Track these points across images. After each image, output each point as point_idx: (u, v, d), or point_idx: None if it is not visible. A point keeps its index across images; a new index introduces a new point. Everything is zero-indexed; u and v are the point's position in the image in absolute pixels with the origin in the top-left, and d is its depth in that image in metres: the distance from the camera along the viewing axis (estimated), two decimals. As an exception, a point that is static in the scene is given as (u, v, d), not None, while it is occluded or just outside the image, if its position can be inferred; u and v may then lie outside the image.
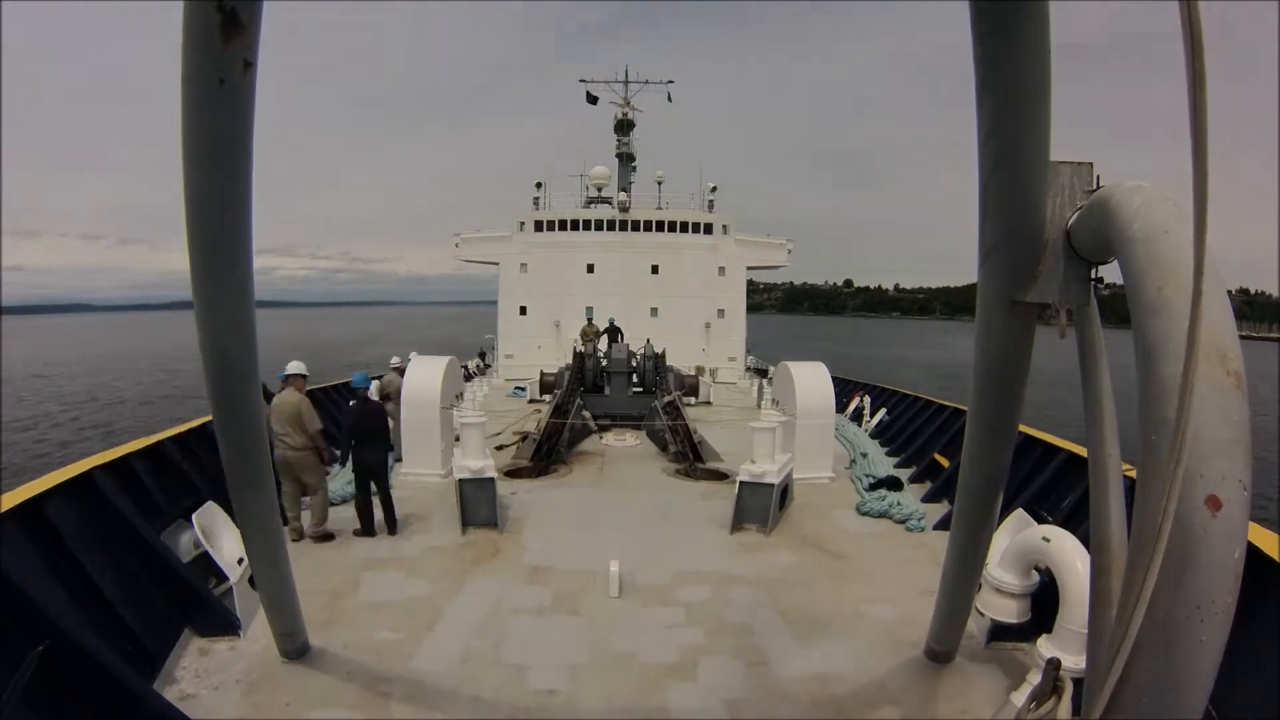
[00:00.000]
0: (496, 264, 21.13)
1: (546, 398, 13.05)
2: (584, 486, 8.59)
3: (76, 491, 4.51)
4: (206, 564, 5.15)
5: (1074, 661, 3.47)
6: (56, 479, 4.45)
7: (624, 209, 20.64)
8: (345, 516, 7.13)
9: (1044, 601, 4.15)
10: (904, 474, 8.99)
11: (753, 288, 20.96)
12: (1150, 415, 1.77)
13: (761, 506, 6.86)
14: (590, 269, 20.52)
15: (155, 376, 43.79)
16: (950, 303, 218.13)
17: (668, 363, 13.43)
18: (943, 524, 6.71)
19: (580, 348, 13.64)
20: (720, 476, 8.83)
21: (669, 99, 21.91)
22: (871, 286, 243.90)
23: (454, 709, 3.91)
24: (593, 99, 21.86)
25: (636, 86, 22.00)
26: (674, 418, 10.32)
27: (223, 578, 5.05)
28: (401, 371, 9.61)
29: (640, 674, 4.28)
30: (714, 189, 21.86)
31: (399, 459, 8.89)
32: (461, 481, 6.78)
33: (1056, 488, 6.06)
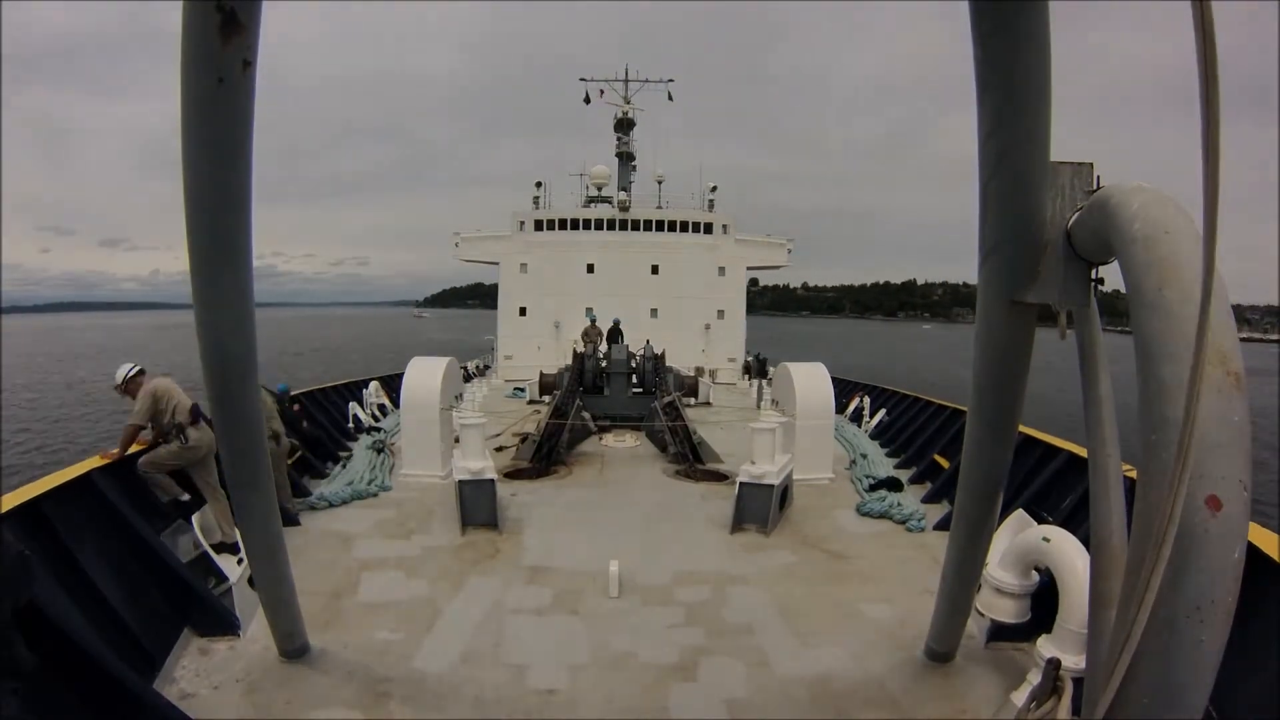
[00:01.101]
0: (496, 263, 21.15)
1: (546, 398, 13.05)
2: (584, 487, 8.58)
3: (76, 492, 4.51)
4: (206, 564, 5.15)
5: (1074, 661, 3.47)
6: (56, 480, 4.45)
7: (624, 208, 20.64)
8: (344, 518, 7.14)
9: (1044, 601, 4.15)
10: (904, 474, 8.98)
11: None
12: (1150, 415, 1.77)
13: (761, 507, 6.86)
14: (590, 269, 20.52)
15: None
16: (859, 301, 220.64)
17: (667, 363, 13.43)
18: (943, 524, 6.71)
19: (581, 348, 13.65)
20: (720, 477, 8.82)
21: (669, 97, 21.94)
22: (780, 285, 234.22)
23: (454, 709, 3.90)
24: (587, 99, 21.86)
25: (636, 85, 22.04)
26: (674, 418, 10.32)
27: (222, 578, 5.04)
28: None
29: (640, 674, 4.28)
30: (714, 188, 21.88)
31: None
32: (461, 482, 6.78)
33: (1056, 488, 6.06)
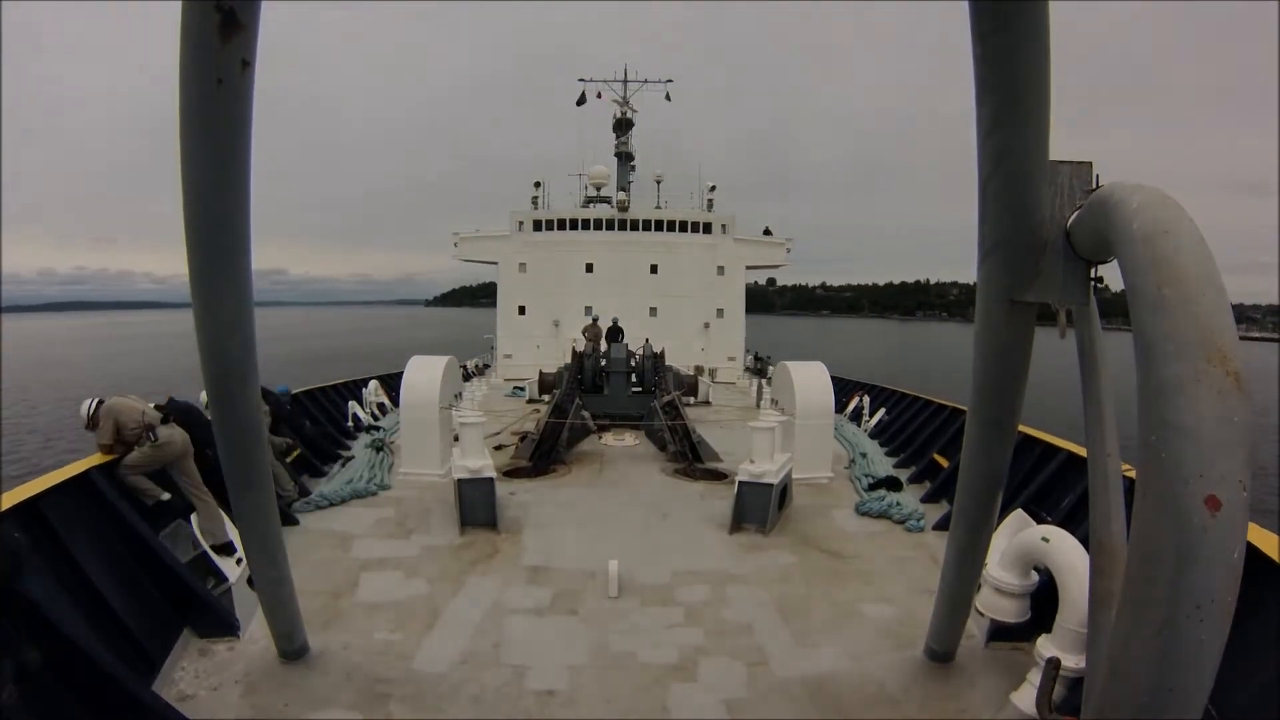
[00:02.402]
0: (495, 263, 21.17)
1: (545, 397, 13.04)
2: (583, 486, 8.58)
3: (75, 491, 4.50)
4: (205, 564, 5.14)
5: (1074, 661, 3.47)
6: (55, 479, 4.44)
7: (623, 208, 20.65)
8: (343, 518, 7.14)
9: (1044, 601, 4.15)
10: (903, 474, 8.99)
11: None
12: (1150, 415, 1.77)
13: (760, 506, 6.86)
14: (589, 268, 20.54)
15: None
16: (878, 301, 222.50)
17: (667, 362, 13.43)
18: (942, 524, 6.71)
19: (580, 347, 13.65)
20: (719, 476, 8.82)
21: (667, 98, 21.94)
22: (799, 285, 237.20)
23: (453, 709, 3.90)
24: (581, 100, 21.82)
25: (635, 86, 22.03)
26: (673, 417, 10.30)
27: (221, 578, 5.04)
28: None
29: (640, 674, 4.28)
30: (713, 188, 21.88)
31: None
32: (460, 481, 6.77)
33: (1056, 488, 6.06)
